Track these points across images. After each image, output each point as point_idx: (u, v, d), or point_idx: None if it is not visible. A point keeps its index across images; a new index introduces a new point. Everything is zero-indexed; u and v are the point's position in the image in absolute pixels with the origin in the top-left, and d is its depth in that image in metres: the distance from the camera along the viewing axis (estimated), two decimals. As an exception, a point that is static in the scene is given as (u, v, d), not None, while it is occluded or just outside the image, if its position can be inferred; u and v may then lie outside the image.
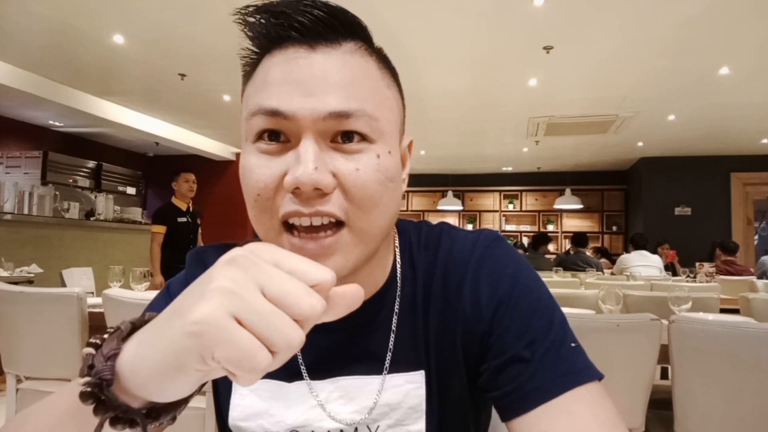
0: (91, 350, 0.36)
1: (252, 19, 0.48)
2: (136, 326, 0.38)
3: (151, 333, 0.34)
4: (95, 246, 5.03)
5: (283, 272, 0.32)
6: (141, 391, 0.34)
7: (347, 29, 0.49)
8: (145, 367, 0.33)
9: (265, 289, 0.31)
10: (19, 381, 2.06)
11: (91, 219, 5.57)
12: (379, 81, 0.50)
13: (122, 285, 2.42)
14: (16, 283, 2.59)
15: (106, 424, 0.35)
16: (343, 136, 0.46)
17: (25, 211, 5.18)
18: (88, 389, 0.34)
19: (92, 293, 3.31)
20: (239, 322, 0.30)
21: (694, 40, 3.76)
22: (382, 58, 0.52)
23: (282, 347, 0.30)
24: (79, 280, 3.42)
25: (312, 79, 0.46)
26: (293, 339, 0.30)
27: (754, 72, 4.35)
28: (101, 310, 1.88)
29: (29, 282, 3.79)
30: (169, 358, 0.32)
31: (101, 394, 0.34)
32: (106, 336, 0.37)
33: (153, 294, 2.03)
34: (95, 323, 1.95)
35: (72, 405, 0.37)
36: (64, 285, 3.23)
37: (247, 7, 0.47)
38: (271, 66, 0.47)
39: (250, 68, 0.51)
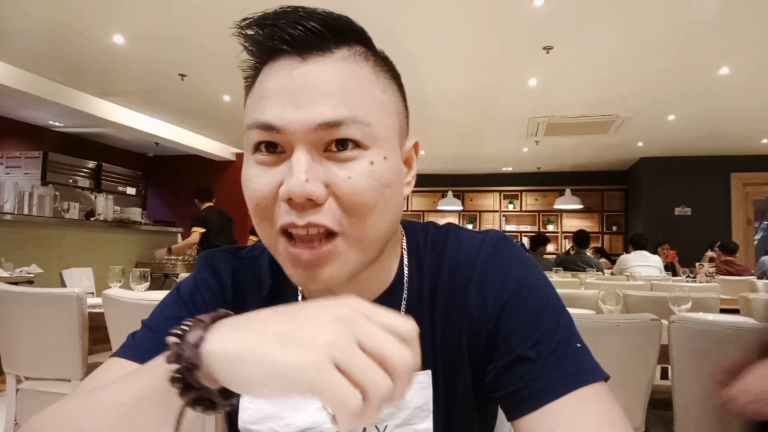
0: (175, 339, 0.39)
1: (250, 32, 0.48)
2: (216, 317, 0.41)
3: (254, 345, 0.37)
4: (95, 246, 5.03)
5: (377, 328, 0.36)
6: (226, 382, 0.38)
7: (340, 36, 0.49)
8: (244, 372, 0.37)
9: (363, 343, 0.35)
10: (19, 381, 2.06)
11: (91, 219, 5.56)
12: (373, 86, 0.50)
13: (122, 285, 2.42)
14: (16, 284, 2.59)
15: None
16: (337, 143, 0.47)
17: (25, 212, 5.18)
18: (178, 374, 0.38)
19: (92, 293, 3.30)
20: (339, 369, 0.34)
21: (694, 40, 3.76)
22: (380, 62, 0.52)
23: (374, 394, 0.34)
24: (79, 280, 3.41)
25: (303, 90, 0.46)
26: (383, 387, 0.34)
27: (754, 72, 4.35)
28: (101, 310, 1.88)
29: (29, 282, 3.79)
30: (270, 380, 0.36)
31: (188, 378, 0.38)
32: (187, 326, 0.40)
33: (153, 294, 2.03)
34: (95, 323, 1.95)
35: (148, 389, 0.41)
36: (64, 285, 3.23)
37: (245, 19, 0.48)
38: (266, 78, 0.49)
39: (250, 81, 0.52)
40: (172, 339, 0.40)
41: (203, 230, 5.13)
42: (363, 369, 0.34)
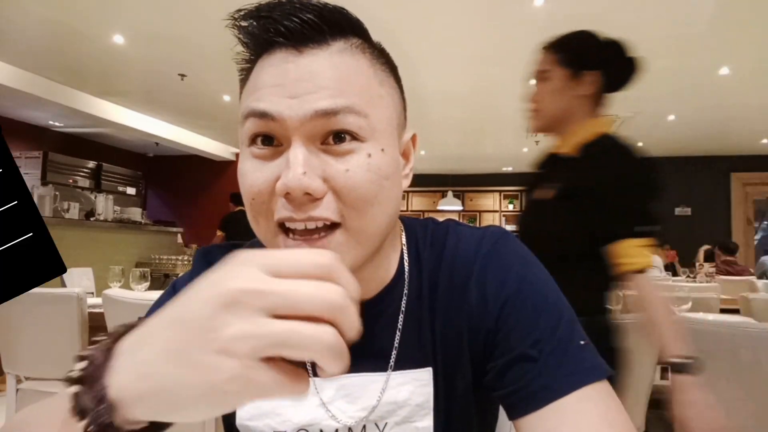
0: (75, 388, 0.34)
1: (244, 23, 0.48)
2: (110, 345, 0.36)
3: (157, 377, 0.31)
4: (95, 246, 5.03)
5: (284, 283, 0.30)
6: (152, 418, 0.33)
7: (336, 28, 0.48)
8: (164, 406, 0.32)
9: (274, 309, 0.30)
10: (19, 381, 2.06)
11: (91, 219, 5.57)
12: (370, 78, 0.50)
13: (122, 285, 2.42)
14: (16, 284, 2.58)
15: None
16: (334, 137, 0.46)
17: (25, 212, 5.17)
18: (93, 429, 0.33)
19: (92, 293, 3.31)
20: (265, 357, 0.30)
21: (694, 40, 3.76)
22: (377, 55, 0.52)
23: (322, 353, 0.29)
24: (79, 280, 3.41)
25: (299, 82, 0.46)
26: (326, 340, 0.29)
27: (754, 72, 4.35)
28: (101, 310, 1.88)
29: (29, 282, 3.78)
30: (197, 403, 0.31)
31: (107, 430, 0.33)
32: (84, 368, 0.35)
33: (153, 294, 2.03)
34: (95, 323, 1.95)
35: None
36: (64, 285, 3.23)
37: (238, 11, 0.47)
38: (261, 70, 0.48)
39: (245, 73, 0.51)
40: (71, 389, 0.34)
41: (221, 234, 5.82)
42: (291, 337, 0.29)
